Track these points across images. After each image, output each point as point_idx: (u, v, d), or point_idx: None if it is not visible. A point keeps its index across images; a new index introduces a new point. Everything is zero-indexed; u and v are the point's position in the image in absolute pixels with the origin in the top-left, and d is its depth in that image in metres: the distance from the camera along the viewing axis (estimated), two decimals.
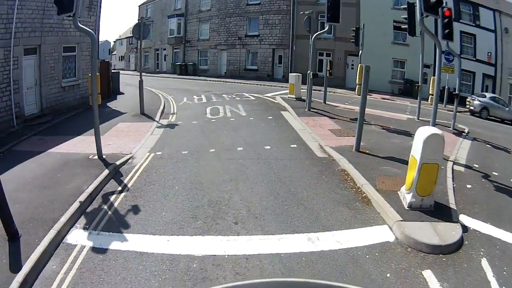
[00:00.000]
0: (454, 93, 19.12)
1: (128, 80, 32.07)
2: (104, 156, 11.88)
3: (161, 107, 21.23)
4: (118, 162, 11.54)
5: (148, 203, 8.95)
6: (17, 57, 16.25)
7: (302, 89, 24.16)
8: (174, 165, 11.59)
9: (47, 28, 18.18)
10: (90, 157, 11.96)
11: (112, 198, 9.31)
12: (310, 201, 9.12)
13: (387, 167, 11.37)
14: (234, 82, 38.12)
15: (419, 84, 19.66)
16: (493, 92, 34.24)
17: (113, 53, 79.53)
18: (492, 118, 28.47)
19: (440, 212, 8.52)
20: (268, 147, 13.42)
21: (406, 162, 9.48)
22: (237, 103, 22.95)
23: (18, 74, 16.43)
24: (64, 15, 11.17)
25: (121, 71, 35.29)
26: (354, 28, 29.14)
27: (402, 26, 20.95)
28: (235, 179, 10.46)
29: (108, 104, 22.17)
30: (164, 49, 54.09)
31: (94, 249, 6.96)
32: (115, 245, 7.07)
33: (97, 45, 12.53)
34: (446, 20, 14.86)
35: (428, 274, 6.40)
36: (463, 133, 18.16)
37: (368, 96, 13.33)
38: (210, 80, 40.19)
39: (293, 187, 9.92)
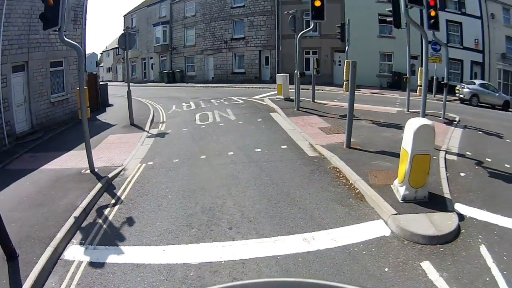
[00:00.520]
0: (442, 82, 19.13)
1: (116, 92, 31.85)
2: (96, 170, 11.80)
3: (151, 117, 21.07)
4: (110, 175, 11.45)
5: (142, 214, 8.87)
6: (5, 75, 16.18)
7: (290, 89, 24.14)
8: (166, 174, 11.51)
9: (34, 44, 18.11)
10: (82, 171, 11.87)
11: (106, 211, 9.23)
12: (303, 201, 9.05)
13: (379, 162, 11.34)
14: (222, 87, 38.12)
15: (407, 76, 19.66)
16: (482, 78, 34.45)
17: (100, 65, 79.37)
18: (483, 104, 28.63)
19: (435, 202, 8.50)
20: (259, 149, 13.35)
21: (397, 155, 9.44)
22: (225, 107, 22.86)
23: (7, 92, 16.33)
24: (49, 29, 11.15)
25: (109, 83, 35.25)
26: (339, 25, 29.11)
27: (388, 19, 20.97)
28: (227, 184, 10.38)
29: (97, 116, 22.05)
30: (151, 58, 54.06)
31: (91, 264, 6.90)
32: (112, 259, 7.01)
33: (83, 59, 12.49)
34: (431, 9, 14.86)
35: (426, 265, 6.38)
36: (454, 122, 18.21)
37: (356, 91, 13.30)
38: (198, 86, 40.19)
39: (286, 188, 9.85)
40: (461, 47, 35.86)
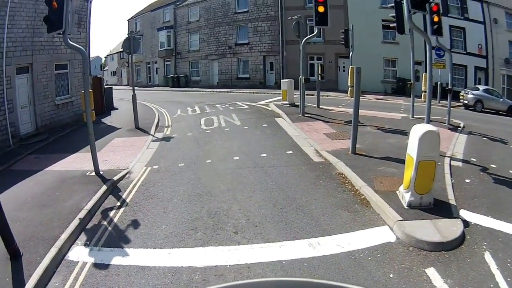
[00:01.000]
0: (447, 88, 19.11)
1: (121, 95, 32.03)
2: (101, 172, 11.86)
3: (156, 121, 21.16)
4: (115, 178, 11.50)
5: (148, 217, 8.90)
6: (9, 77, 16.32)
7: (295, 94, 24.15)
8: (172, 178, 11.54)
9: (38, 47, 18.26)
10: (87, 173, 11.94)
11: (112, 213, 9.26)
12: (309, 206, 9.06)
13: (384, 168, 11.34)
14: (227, 92, 38.24)
15: (412, 81, 19.65)
16: (486, 84, 34.32)
17: (105, 69, 79.62)
18: (487, 110, 28.50)
19: (440, 208, 8.49)
20: (264, 154, 13.38)
21: (403, 162, 9.43)
22: (231, 112, 22.93)
23: (11, 93, 16.48)
24: (54, 32, 11.14)
25: (113, 87, 35.37)
26: (343, 30, 29.16)
27: (391, 25, 20.93)
28: (232, 188, 10.41)
29: (102, 120, 22.17)
30: (155, 62, 54.22)
31: (96, 265, 6.93)
32: (116, 260, 7.03)
33: (88, 62, 12.56)
34: (434, 15, 14.88)
35: (431, 271, 6.36)
36: (459, 128, 18.16)
37: (361, 97, 13.30)
38: (202, 91, 40.30)
39: (291, 193, 9.87)
40: (465, 52, 35.77)
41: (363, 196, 9.49)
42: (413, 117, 19.64)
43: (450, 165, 11.86)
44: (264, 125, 18.60)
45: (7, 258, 6.84)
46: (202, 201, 9.65)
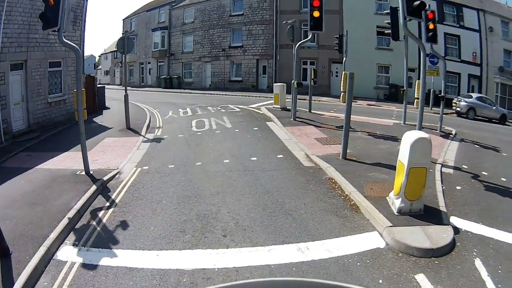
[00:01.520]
0: (440, 95, 19.12)
1: (113, 95, 31.86)
2: (91, 172, 11.77)
3: (147, 121, 21.05)
4: (105, 178, 11.41)
5: (137, 218, 8.81)
6: (3, 73, 16.22)
7: (287, 98, 24.05)
8: (161, 179, 11.44)
9: (33, 43, 18.13)
10: (77, 173, 11.83)
11: (101, 214, 9.17)
12: (298, 211, 8.99)
13: (374, 173, 11.29)
14: (219, 94, 38.15)
15: (405, 88, 19.67)
16: (480, 92, 34.66)
17: (98, 68, 79.53)
18: (480, 118, 28.72)
19: (430, 215, 8.45)
20: (255, 158, 13.29)
21: (393, 168, 9.39)
22: (222, 115, 22.82)
23: (4, 89, 16.37)
24: (49, 29, 11.09)
25: (106, 86, 35.33)
26: (338, 36, 29.21)
27: (386, 31, 21.01)
28: (222, 191, 10.32)
29: (94, 119, 22.04)
30: (149, 63, 54.11)
31: (84, 266, 6.85)
32: (105, 261, 6.96)
33: (82, 60, 12.45)
34: (430, 22, 14.89)
35: (421, 278, 6.32)
36: (451, 135, 18.19)
37: (353, 102, 13.24)
38: (195, 93, 40.21)
39: (281, 197, 9.79)
40: (459, 60, 36.08)
41: (353, 202, 9.42)
42: (404, 123, 19.66)
43: (441, 172, 11.83)
44: (255, 128, 18.51)
45: None
46: (191, 203, 9.56)
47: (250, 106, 27.10)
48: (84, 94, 11.58)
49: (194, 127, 19.52)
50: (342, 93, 13.18)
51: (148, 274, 6.54)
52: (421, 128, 12.99)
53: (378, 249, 7.30)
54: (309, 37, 18.49)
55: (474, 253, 7.14)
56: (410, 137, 8.30)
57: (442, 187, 10.45)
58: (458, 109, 29.29)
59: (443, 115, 19.20)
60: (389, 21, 18.80)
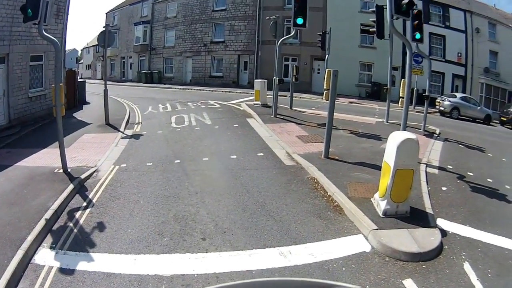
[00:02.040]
0: (424, 94, 19.06)
1: (94, 89, 31.27)
2: (69, 170, 11.39)
3: (126, 117, 20.59)
4: (83, 176, 11.03)
5: (114, 219, 8.45)
6: None
7: (268, 95, 23.79)
8: (139, 178, 11.06)
9: (16, 37, 17.58)
10: (55, 170, 11.43)
11: (78, 214, 8.80)
12: (279, 212, 8.65)
13: (358, 173, 11.01)
14: (200, 90, 37.78)
15: (388, 86, 19.52)
16: (464, 91, 35.11)
17: (80, 62, 78.42)
18: (464, 117, 29.06)
19: (417, 217, 8.23)
20: (234, 156, 12.93)
21: (377, 167, 9.18)
22: (202, 111, 22.45)
23: None
24: (30, 22, 10.68)
25: (87, 80, 34.89)
26: (321, 33, 28.94)
27: (371, 29, 20.75)
28: (201, 191, 9.95)
29: (74, 114, 21.55)
30: (130, 57, 53.53)
31: (61, 270, 6.55)
32: (82, 266, 6.65)
33: (61, 54, 12.01)
34: (416, 21, 14.66)
35: (409, 283, 6.13)
36: (434, 134, 18.18)
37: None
38: (175, 88, 39.82)
39: (261, 198, 9.44)
40: (443, 60, 36.42)
41: (337, 203, 9.11)
42: (387, 122, 19.58)
43: (426, 172, 11.66)
44: (235, 125, 18.16)
45: None
46: (170, 204, 9.21)
47: (231, 102, 26.82)
48: (62, 89, 11.19)
49: (174, 123, 19.13)
50: (325, 91, 12.80)
51: (126, 280, 6.26)
52: (405, 128, 12.75)
53: (363, 253, 7.06)
54: (292, 33, 18.24)
55: (463, 257, 6.99)
56: (396, 137, 8.02)
57: (428, 188, 10.27)
58: (442, 108, 29.59)
59: (427, 114, 19.06)
60: (375, 19, 18.55)
